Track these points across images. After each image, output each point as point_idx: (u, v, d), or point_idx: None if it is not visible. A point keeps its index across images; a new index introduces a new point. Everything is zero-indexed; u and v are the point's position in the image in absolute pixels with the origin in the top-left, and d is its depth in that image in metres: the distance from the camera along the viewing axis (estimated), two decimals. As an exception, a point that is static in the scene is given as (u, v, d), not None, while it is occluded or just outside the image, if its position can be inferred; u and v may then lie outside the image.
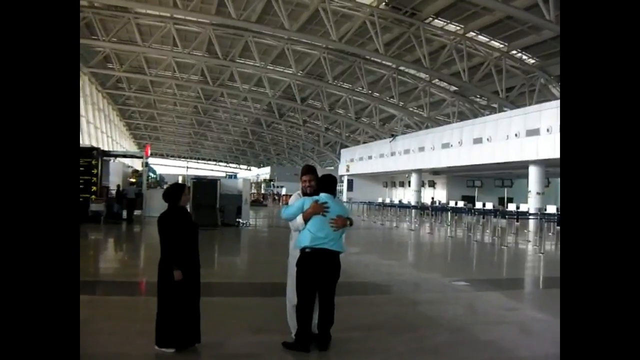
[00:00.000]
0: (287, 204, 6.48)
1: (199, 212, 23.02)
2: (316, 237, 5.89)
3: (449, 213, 29.74)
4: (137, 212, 27.25)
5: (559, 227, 22.10)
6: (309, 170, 6.50)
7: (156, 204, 28.26)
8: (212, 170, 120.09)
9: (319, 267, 5.92)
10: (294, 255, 6.26)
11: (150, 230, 23.07)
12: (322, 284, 5.99)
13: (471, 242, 21.06)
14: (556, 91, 41.36)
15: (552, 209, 29.40)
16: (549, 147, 28.74)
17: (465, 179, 46.65)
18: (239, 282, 11.05)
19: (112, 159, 32.22)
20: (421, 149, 45.40)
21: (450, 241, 21.69)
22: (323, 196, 6.12)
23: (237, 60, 47.92)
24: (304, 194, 6.35)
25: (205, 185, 24.71)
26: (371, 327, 7.32)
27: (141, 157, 32.60)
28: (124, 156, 38.38)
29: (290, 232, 6.50)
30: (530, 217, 27.04)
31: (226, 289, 9.96)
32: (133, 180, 31.62)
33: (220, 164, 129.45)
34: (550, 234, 24.00)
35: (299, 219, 6.04)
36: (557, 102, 29.79)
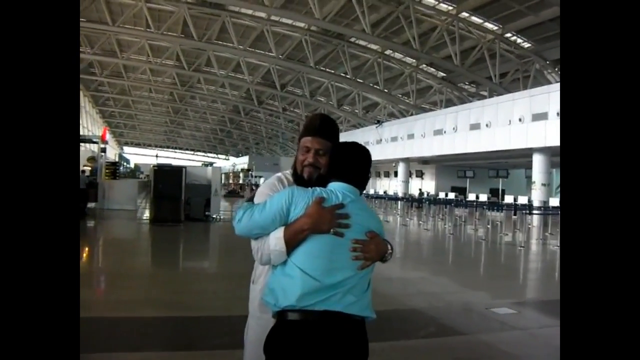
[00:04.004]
0: (249, 199, 2.90)
1: (160, 204, 20.28)
2: (317, 284, 2.52)
3: (447, 206, 27.56)
4: (91, 205, 24.24)
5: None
6: (323, 127, 2.90)
7: (117, 196, 25.56)
8: (190, 159, 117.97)
9: (321, 356, 2.49)
10: (257, 320, 2.92)
11: (105, 227, 20.23)
12: None
13: (478, 241, 18.83)
14: (551, 77, 39.76)
15: (555, 202, 27.32)
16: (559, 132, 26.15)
17: (456, 169, 44.52)
18: (165, 318, 7.13)
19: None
20: (410, 136, 43.51)
21: (453, 240, 19.30)
22: (336, 189, 2.70)
23: (214, 42, 45.28)
24: (297, 179, 2.91)
25: (168, 174, 21.40)
26: None
27: (97, 142, 29.76)
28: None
29: (254, 265, 3.00)
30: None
31: (141, 332, 6.37)
32: (88, 167, 28.18)
33: (198, 153, 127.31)
34: (558, 230, 22.02)
35: (275, 239, 2.59)
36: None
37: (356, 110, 57.77)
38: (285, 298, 2.53)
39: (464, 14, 35.79)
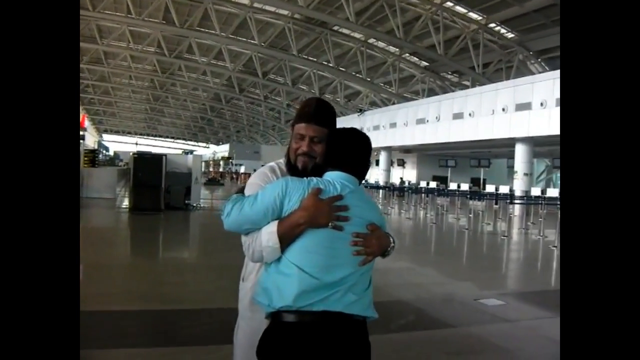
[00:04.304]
0: (240, 192, 2.65)
1: (139, 193, 19.98)
2: (316, 282, 2.31)
3: (429, 195, 27.47)
4: None
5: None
6: (318, 113, 2.64)
7: (96, 184, 24.93)
8: (170, 147, 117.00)
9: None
10: (248, 321, 2.70)
11: (84, 215, 19.38)
12: None
13: (461, 230, 18.77)
14: (534, 68, 39.80)
15: (537, 191, 27.36)
16: (543, 123, 26.44)
17: (438, 158, 44.49)
18: (145, 311, 6.76)
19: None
20: (392, 124, 43.19)
21: (436, 230, 19.26)
22: (333, 179, 2.47)
23: (196, 29, 44.73)
24: (291, 169, 2.69)
25: (148, 162, 21.11)
26: None
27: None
28: None
29: (245, 262, 2.80)
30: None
31: (121, 326, 6.11)
32: None
33: (178, 141, 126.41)
34: (540, 219, 22.11)
35: (268, 234, 2.36)
36: (553, 74, 27.51)
37: (338, 99, 57.44)
38: (280, 298, 2.31)
39: (449, 4, 35.53)
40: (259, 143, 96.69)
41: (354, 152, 2.56)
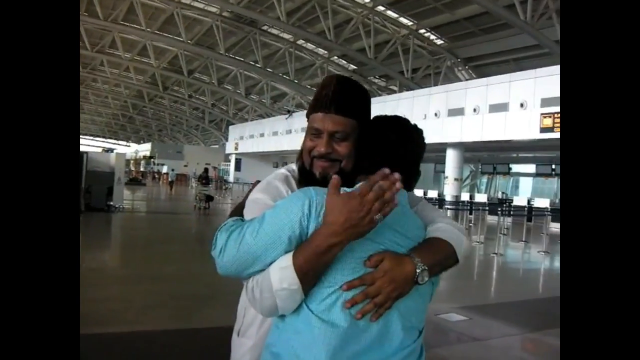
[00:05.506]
0: (237, 213, 1.84)
1: None
2: (348, 342, 1.55)
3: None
4: None
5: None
6: (341, 97, 1.86)
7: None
8: (89, 145, 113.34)
9: None
10: None
11: None
12: None
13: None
14: (461, 75, 40.23)
15: (465, 196, 27.64)
16: (476, 128, 26.56)
17: (365, 162, 44.67)
18: None
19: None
20: (322, 127, 42.90)
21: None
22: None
23: (120, 23, 43.22)
24: (305, 175, 1.89)
25: None
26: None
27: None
28: None
29: (239, 308, 2.01)
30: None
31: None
32: None
33: (98, 139, 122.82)
34: (471, 224, 22.19)
35: (280, 270, 1.53)
36: (486, 80, 27.57)
37: (264, 100, 56.83)
38: None
39: (380, 8, 35.46)
40: (182, 143, 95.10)
41: (404, 153, 1.81)
